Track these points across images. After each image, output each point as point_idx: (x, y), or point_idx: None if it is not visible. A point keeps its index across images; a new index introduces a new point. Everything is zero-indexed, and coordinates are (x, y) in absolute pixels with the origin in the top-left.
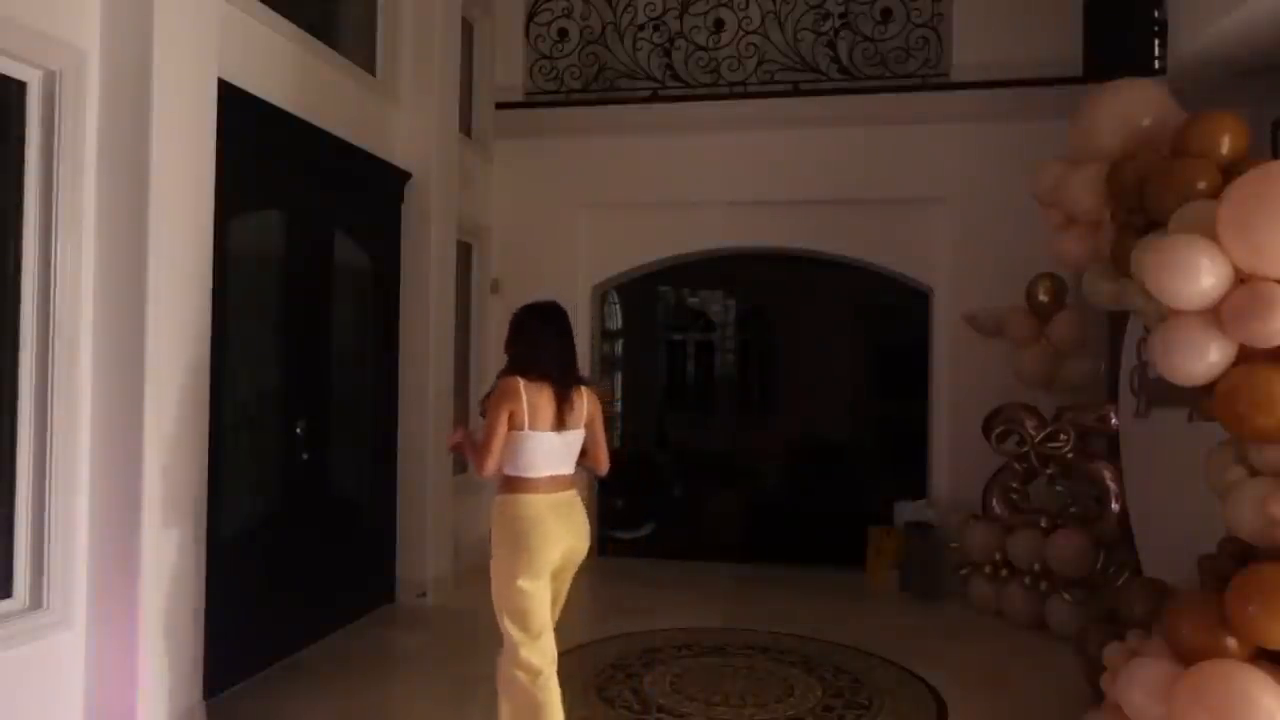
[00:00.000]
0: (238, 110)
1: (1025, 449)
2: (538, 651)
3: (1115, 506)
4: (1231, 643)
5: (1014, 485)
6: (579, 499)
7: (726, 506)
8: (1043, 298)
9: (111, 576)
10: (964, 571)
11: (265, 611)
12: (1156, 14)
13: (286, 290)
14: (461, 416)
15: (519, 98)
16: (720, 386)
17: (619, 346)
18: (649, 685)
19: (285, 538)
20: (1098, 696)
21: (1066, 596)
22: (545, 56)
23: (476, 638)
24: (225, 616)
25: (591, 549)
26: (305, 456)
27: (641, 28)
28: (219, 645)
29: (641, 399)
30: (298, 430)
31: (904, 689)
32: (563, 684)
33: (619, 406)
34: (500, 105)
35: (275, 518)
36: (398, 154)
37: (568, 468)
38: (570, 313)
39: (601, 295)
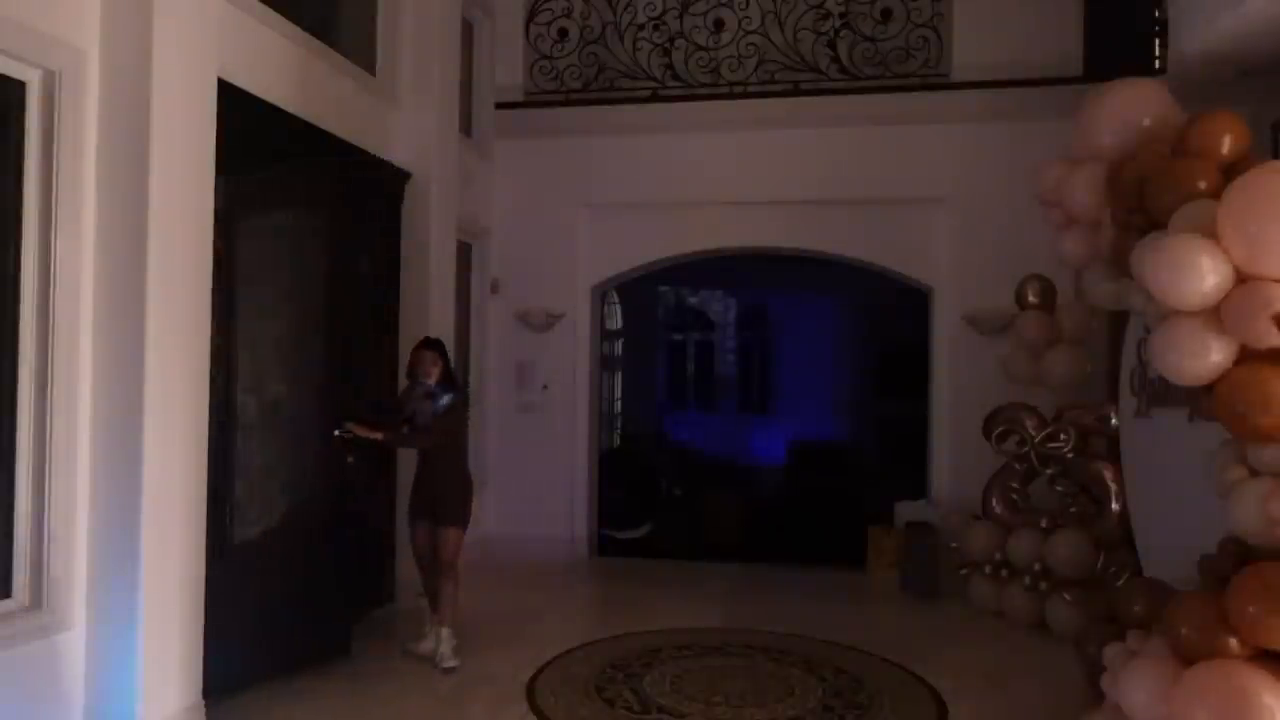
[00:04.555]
0: (238, 110)
1: (1025, 449)
2: None
3: (1115, 506)
4: (1232, 643)
5: (1014, 485)
6: None
7: (726, 506)
8: (1032, 299)
9: (111, 576)
10: (964, 571)
11: (266, 610)
12: (1157, 14)
13: (286, 291)
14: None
15: (519, 98)
16: (720, 386)
17: (619, 346)
18: (649, 685)
19: (286, 538)
20: (1098, 696)
21: (1066, 596)
22: (545, 56)
23: (476, 638)
24: (227, 616)
25: (590, 548)
26: (350, 460)
27: (641, 28)
28: (220, 646)
29: (641, 399)
30: (336, 433)
31: (904, 689)
32: (563, 684)
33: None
34: (500, 105)
35: (277, 517)
36: (398, 154)
37: None
38: (570, 312)
39: (601, 295)
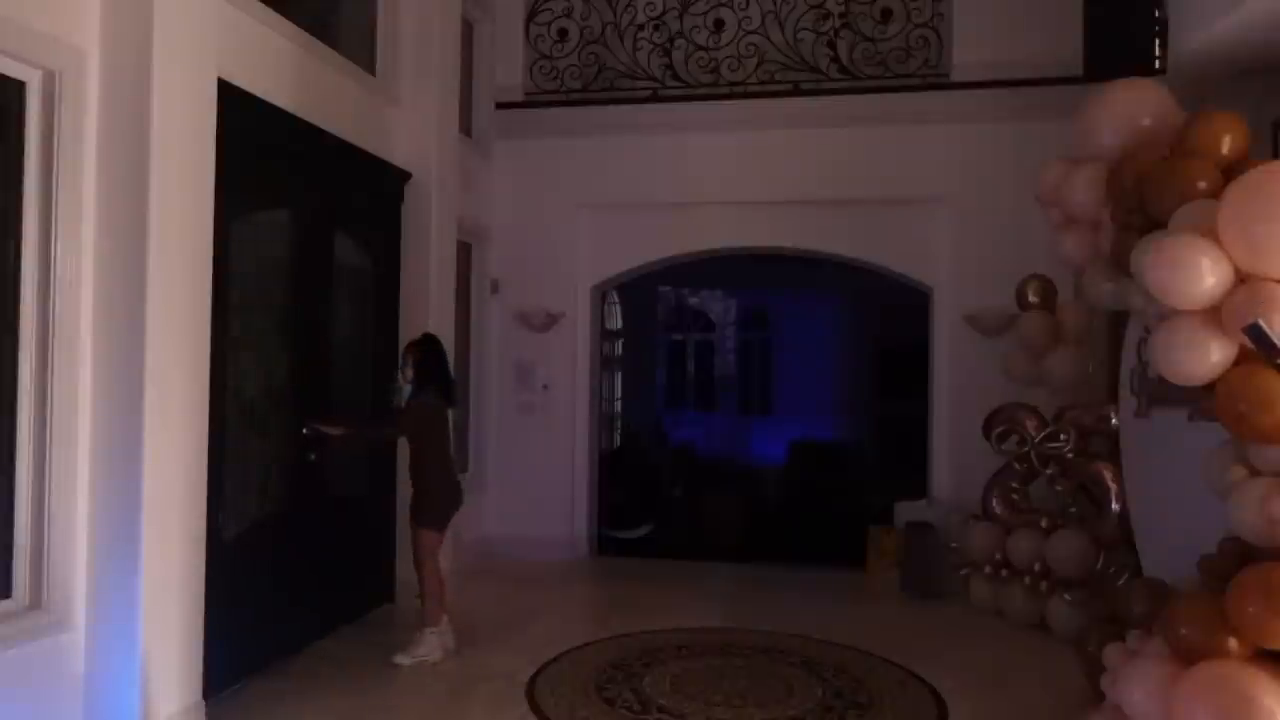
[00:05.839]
0: (238, 110)
1: (1025, 449)
2: None
3: (1115, 506)
4: (1232, 643)
5: (1014, 485)
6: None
7: (726, 506)
8: (1032, 298)
9: (111, 576)
10: (964, 571)
11: (265, 611)
12: (1157, 14)
13: (287, 291)
14: (460, 416)
15: (519, 98)
16: (720, 386)
17: (619, 346)
18: (649, 685)
19: (286, 538)
20: (1098, 696)
21: (1066, 597)
22: (545, 56)
23: (475, 638)
24: (226, 616)
25: (590, 548)
26: (312, 457)
27: (641, 28)
28: (219, 645)
29: (641, 399)
30: (304, 431)
31: (904, 689)
32: (563, 684)
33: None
34: (500, 105)
35: (276, 518)
36: (398, 154)
37: None
38: (570, 312)
39: (601, 295)
